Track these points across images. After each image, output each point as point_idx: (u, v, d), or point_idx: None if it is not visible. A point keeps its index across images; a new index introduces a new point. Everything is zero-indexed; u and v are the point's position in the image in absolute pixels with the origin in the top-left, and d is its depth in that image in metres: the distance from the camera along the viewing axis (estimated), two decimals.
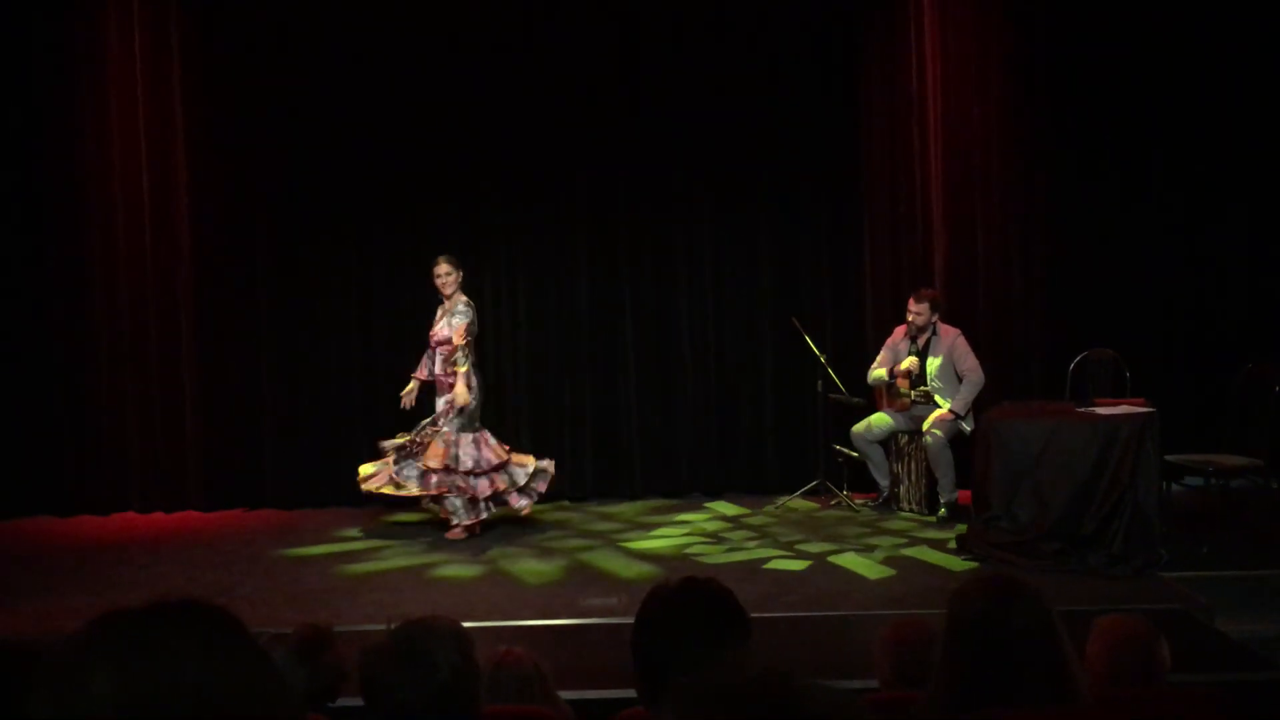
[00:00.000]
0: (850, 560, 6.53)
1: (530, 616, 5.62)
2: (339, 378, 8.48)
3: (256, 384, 8.44)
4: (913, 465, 7.68)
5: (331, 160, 8.36)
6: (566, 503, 8.22)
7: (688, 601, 2.19)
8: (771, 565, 6.51)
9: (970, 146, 8.38)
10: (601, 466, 8.55)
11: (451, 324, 7.17)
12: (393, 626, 2.39)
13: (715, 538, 7.18)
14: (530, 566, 6.59)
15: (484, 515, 7.19)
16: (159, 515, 8.24)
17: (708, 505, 8.04)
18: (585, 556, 6.82)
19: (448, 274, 7.16)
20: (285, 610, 5.62)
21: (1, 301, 8.34)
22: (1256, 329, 8.16)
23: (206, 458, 8.41)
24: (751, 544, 6.99)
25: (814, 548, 6.82)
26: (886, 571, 6.29)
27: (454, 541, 7.11)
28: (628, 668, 2.19)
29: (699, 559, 6.69)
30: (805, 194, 8.55)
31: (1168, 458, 6.56)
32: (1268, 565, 6.04)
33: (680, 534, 7.33)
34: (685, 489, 8.48)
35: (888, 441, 7.78)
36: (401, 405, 7.45)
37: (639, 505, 8.18)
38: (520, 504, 7.30)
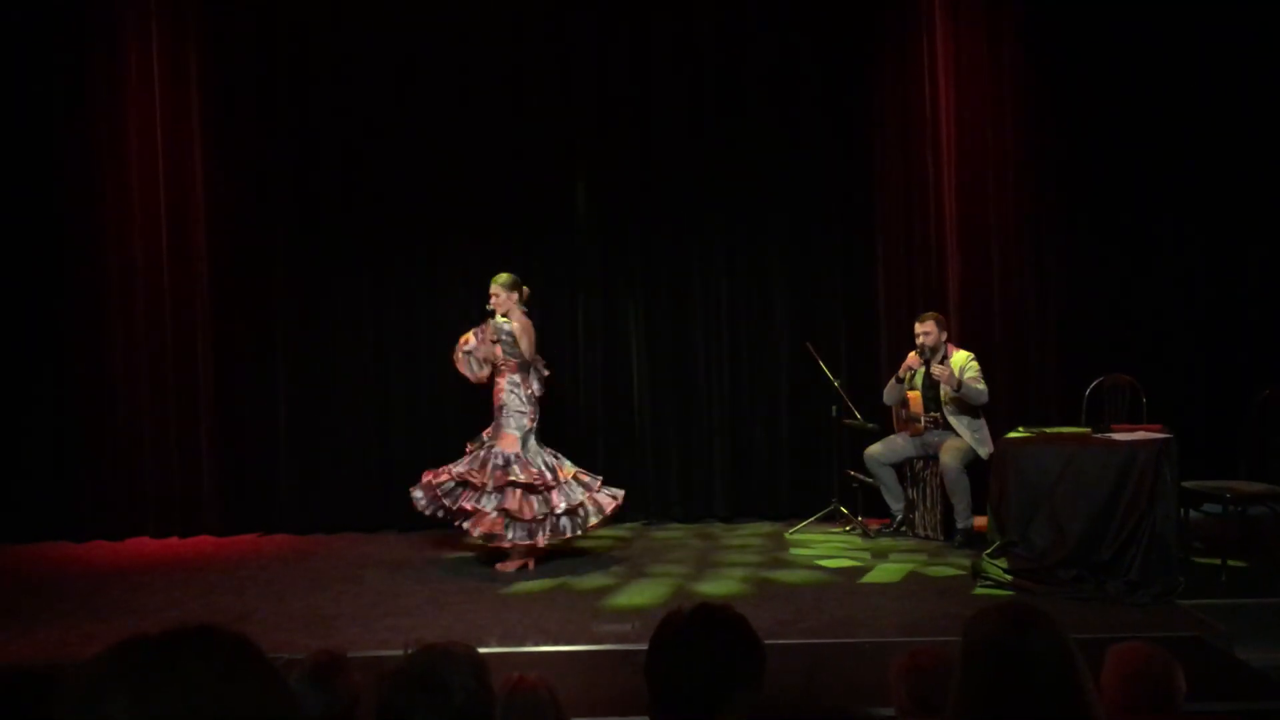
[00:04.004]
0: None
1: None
2: (354, 404, 8.50)
3: (272, 410, 8.47)
4: (928, 491, 7.66)
5: (348, 189, 8.44)
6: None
7: (702, 628, 2.18)
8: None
9: (984, 171, 8.39)
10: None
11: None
12: (409, 651, 2.39)
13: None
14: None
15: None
16: (174, 540, 8.27)
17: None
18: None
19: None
20: (300, 636, 5.62)
21: (19, 328, 8.40)
22: (1274, 355, 8.13)
23: (222, 483, 8.44)
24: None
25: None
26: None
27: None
28: (642, 694, 2.19)
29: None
30: (819, 220, 8.57)
31: (1185, 484, 6.51)
32: None
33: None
34: (699, 514, 8.48)
35: (901, 466, 7.76)
36: None
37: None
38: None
